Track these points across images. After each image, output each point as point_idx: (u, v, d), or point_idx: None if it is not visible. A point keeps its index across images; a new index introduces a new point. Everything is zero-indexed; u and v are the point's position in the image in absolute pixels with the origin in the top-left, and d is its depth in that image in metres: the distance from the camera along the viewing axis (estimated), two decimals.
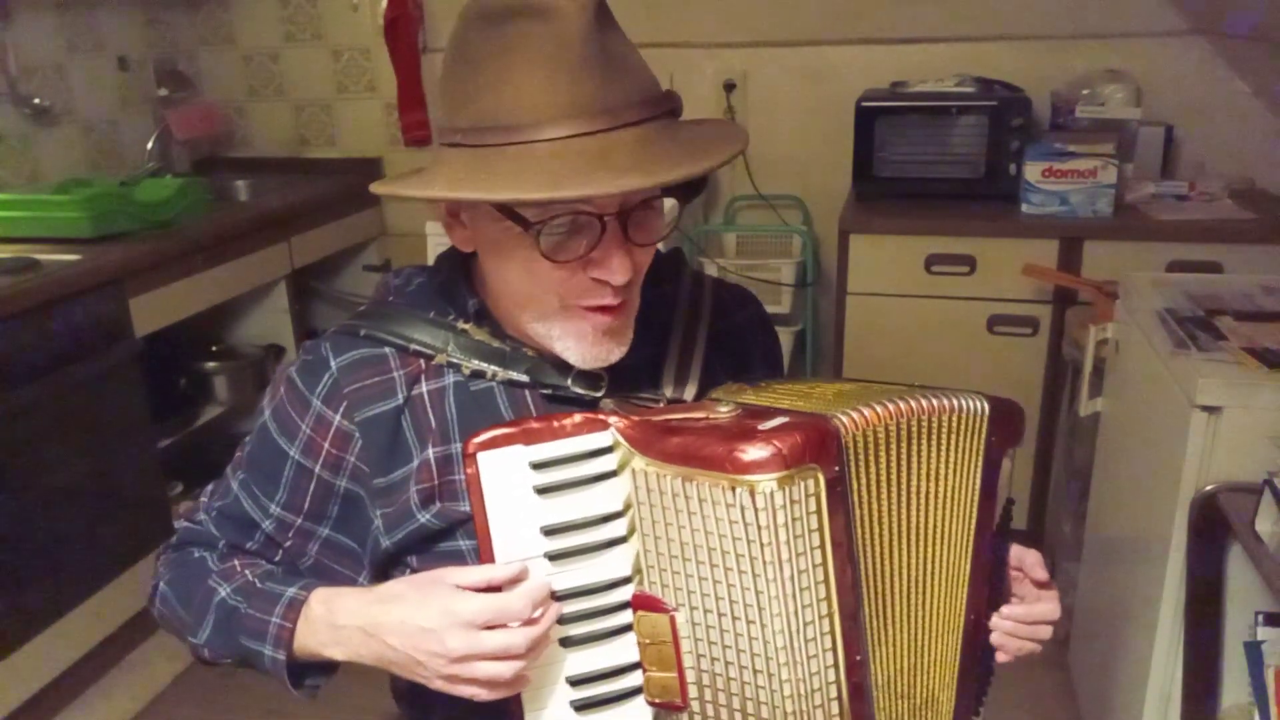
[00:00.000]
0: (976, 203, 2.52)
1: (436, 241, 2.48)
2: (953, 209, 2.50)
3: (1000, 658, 0.93)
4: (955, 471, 0.86)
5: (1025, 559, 0.93)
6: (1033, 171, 2.39)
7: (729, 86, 2.91)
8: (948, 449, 0.85)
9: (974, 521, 0.87)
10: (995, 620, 0.91)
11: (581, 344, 0.88)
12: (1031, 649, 0.93)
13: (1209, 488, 1.40)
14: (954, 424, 0.85)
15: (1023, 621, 0.92)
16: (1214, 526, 1.40)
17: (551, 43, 0.78)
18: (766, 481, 0.74)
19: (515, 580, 0.81)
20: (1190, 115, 2.62)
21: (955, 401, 0.85)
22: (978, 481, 0.87)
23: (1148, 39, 2.63)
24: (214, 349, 2.89)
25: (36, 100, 2.66)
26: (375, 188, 0.87)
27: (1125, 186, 2.43)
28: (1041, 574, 0.93)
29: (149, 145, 3.04)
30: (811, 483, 0.75)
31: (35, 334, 2.02)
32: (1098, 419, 2.02)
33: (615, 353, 0.89)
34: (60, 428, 2.10)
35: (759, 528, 0.75)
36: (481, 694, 0.80)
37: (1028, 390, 2.43)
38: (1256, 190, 2.52)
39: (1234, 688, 1.46)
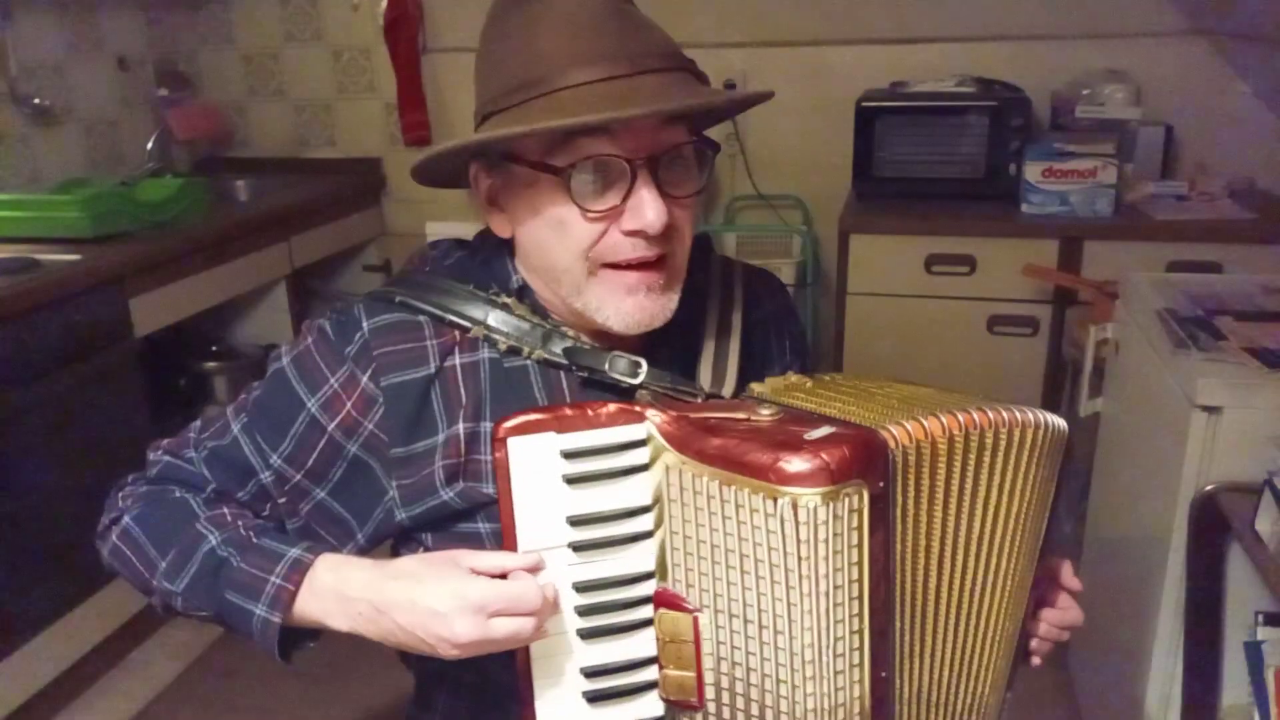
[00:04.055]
0: (976, 203, 2.52)
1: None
2: (953, 209, 2.50)
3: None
4: (1034, 487, 0.83)
5: (1060, 567, 0.94)
6: (1033, 171, 2.39)
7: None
8: (1031, 464, 0.82)
9: (1041, 535, 0.86)
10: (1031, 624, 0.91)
11: (620, 305, 0.86)
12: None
13: (1209, 488, 1.40)
14: (1038, 439, 0.83)
15: (1055, 626, 0.93)
16: (1214, 526, 1.40)
17: (575, 8, 0.83)
18: (810, 496, 0.71)
19: (532, 570, 0.79)
20: (1190, 115, 2.61)
21: (1040, 418, 0.83)
22: (1051, 497, 0.86)
23: (1148, 39, 2.62)
24: (214, 349, 2.89)
25: (36, 100, 2.66)
26: (415, 162, 0.89)
27: (1125, 186, 2.43)
28: (1075, 583, 0.93)
29: (149, 145, 3.04)
30: (855, 499, 0.73)
31: (35, 334, 2.02)
32: (1098, 419, 2.01)
33: (658, 316, 0.88)
34: (60, 428, 2.10)
35: (798, 541, 0.72)
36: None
37: (1028, 390, 2.43)
38: (1256, 190, 2.51)
39: (1234, 688, 1.45)
